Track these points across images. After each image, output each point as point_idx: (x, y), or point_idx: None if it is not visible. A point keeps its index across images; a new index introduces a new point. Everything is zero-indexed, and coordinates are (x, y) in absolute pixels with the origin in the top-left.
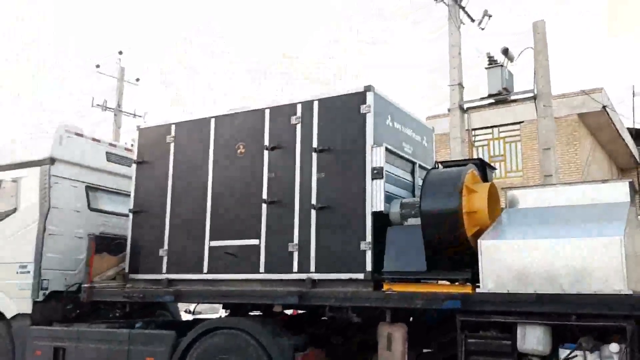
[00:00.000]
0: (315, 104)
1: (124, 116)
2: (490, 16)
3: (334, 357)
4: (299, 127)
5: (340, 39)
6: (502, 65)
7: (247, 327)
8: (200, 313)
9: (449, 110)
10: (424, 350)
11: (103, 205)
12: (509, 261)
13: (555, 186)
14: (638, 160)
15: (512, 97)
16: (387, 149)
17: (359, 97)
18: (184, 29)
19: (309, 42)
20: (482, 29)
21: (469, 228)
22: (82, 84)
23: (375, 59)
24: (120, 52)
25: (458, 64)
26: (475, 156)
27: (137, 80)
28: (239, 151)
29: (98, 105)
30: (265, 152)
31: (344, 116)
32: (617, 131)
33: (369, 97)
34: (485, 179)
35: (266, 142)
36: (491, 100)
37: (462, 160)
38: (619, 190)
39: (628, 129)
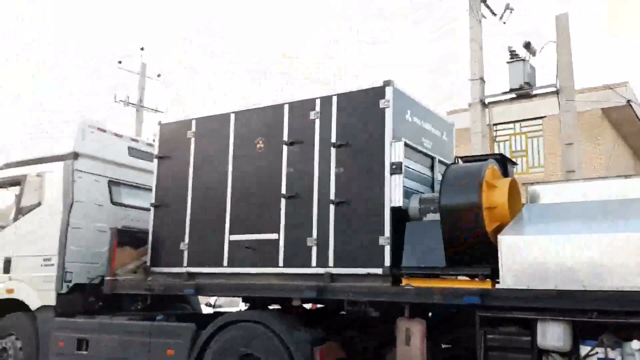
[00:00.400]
0: (334, 99)
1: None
2: (512, 10)
3: (351, 351)
4: (317, 122)
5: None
6: (524, 60)
7: (266, 320)
8: (220, 307)
9: (469, 104)
10: (443, 346)
11: (125, 200)
12: (529, 257)
13: (576, 181)
14: None
15: (534, 92)
16: (406, 144)
17: (378, 92)
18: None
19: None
20: (504, 22)
21: (488, 224)
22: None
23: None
24: (142, 48)
25: (479, 58)
26: (496, 151)
27: (159, 76)
28: (258, 146)
29: (121, 100)
30: (284, 147)
31: (362, 111)
32: None
33: (388, 91)
34: (505, 174)
35: (285, 137)
36: (512, 95)
37: (482, 155)
38: None
39: None
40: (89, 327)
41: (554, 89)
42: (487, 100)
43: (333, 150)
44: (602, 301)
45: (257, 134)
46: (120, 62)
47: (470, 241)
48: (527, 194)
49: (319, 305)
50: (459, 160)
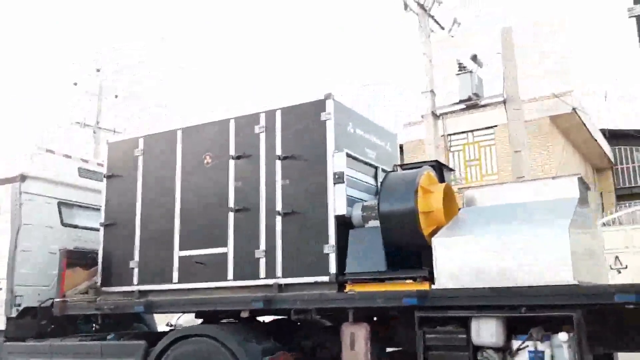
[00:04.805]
0: (278, 113)
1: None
2: (459, 24)
3: None
4: (262, 136)
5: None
6: (471, 72)
7: (215, 333)
8: (181, 326)
9: (422, 116)
10: (387, 350)
11: (76, 220)
12: (463, 257)
13: (508, 184)
14: (612, 160)
15: (483, 102)
16: (348, 154)
17: (319, 105)
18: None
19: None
20: (452, 36)
21: (425, 227)
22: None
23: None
24: (98, 70)
25: (429, 71)
26: (451, 161)
27: (116, 97)
28: (205, 161)
29: (77, 122)
30: (231, 162)
31: (305, 124)
32: (589, 132)
33: (329, 104)
34: (442, 179)
35: (232, 152)
36: (462, 106)
37: (419, 162)
38: (569, 186)
39: (601, 130)
40: (40, 350)
41: (501, 99)
42: (438, 112)
43: (278, 163)
44: (532, 297)
45: (205, 150)
46: (75, 84)
47: (409, 245)
48: (464, 198)
49: (273, 317)
50: (398, 168)
